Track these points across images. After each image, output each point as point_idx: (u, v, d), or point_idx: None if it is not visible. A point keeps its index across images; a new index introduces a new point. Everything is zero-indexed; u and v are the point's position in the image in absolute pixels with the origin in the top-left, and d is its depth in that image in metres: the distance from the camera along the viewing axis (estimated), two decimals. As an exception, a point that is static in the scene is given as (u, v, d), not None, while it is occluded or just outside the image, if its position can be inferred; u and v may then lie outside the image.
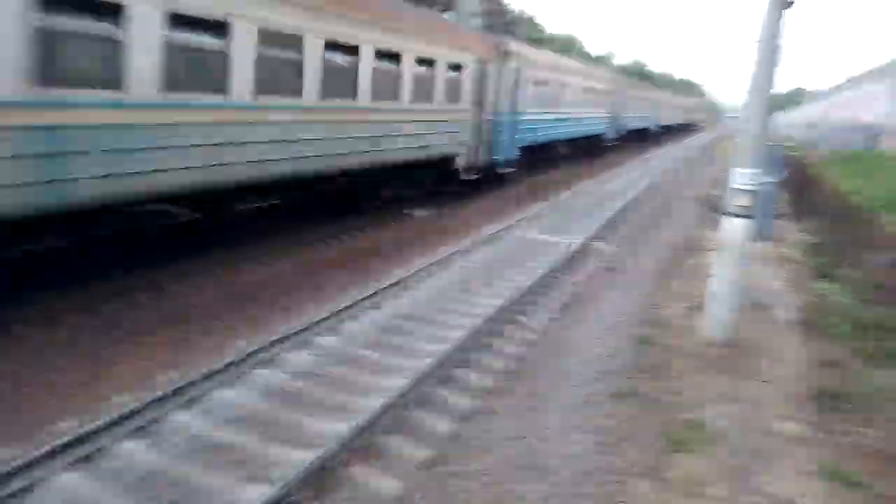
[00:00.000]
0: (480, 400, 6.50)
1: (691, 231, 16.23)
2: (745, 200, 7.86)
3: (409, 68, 13.45)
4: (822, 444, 6.02)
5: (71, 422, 5.33)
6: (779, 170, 10.65)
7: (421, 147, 14.56)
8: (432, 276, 10.24)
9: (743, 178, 7.83)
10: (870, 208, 13.66)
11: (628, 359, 7.94)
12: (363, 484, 4.98)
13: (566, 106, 25.34)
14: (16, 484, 4.46)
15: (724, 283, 7.99)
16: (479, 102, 17.42)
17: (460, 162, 16.84)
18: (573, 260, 12.01)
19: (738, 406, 6.63)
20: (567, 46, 60.69)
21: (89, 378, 6.24)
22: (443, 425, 5.89)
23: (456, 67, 15.91)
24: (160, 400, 5.58)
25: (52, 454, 4.72)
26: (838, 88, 57.89)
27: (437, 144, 15.45)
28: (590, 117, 29.40)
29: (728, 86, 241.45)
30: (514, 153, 19.98)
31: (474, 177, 17.78)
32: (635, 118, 40.01)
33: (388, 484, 4.97)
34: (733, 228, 7.96)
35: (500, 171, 19.23)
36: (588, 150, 30.99)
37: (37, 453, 4.66)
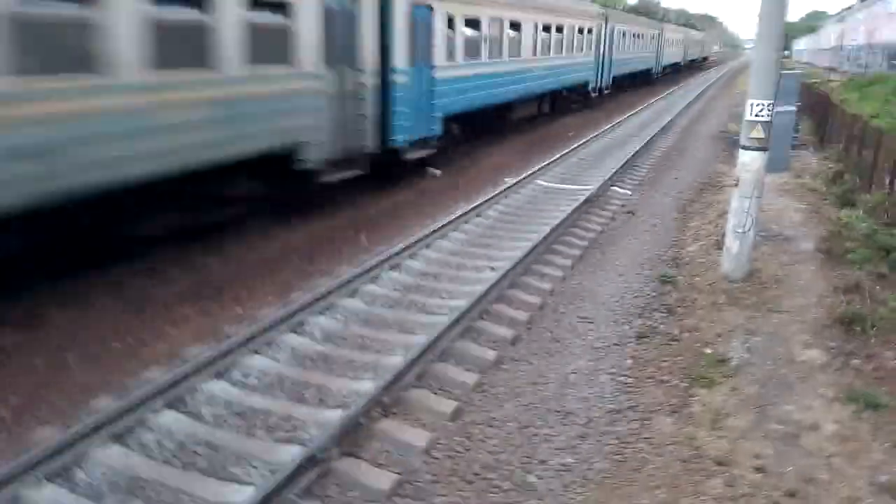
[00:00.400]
0: (505, 347, 6.62)
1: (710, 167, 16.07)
2: (759, 132, 7.75)
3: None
4: (844, 369, 6.05)
5: (108, 399, 5.53)
6: (794, 98, 10.41)
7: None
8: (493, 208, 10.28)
9: (756, 109, 7.71)
10: (892, 130, 13.35)
11: (650, 299, 8.00)
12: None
13: (521, 53, 19.03)
14: (63, 460, 4.66)
15: (742, 217, 7.94)
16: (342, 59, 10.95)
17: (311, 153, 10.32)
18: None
19: (760, 338, 6.66)
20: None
21: (126, 355, 6.44)
22: (469, 376, 6.03)
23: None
24: (192, 372, 5.74)
25: (95, 429, 4.92)
26: (850, 10, 55.85)
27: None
28: (562, 66, 22.99)
29: (748, 18, 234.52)
30: (430, 128, 13.91)
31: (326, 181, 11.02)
32: (631, 59, 34.18)
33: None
34: (749, 161, 7.87)
35: (406, 156, 13.15)
36: (565, 106, 25.78)
37: (78, 429, 4.85)
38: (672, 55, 50.07)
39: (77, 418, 5.21)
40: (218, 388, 5.73)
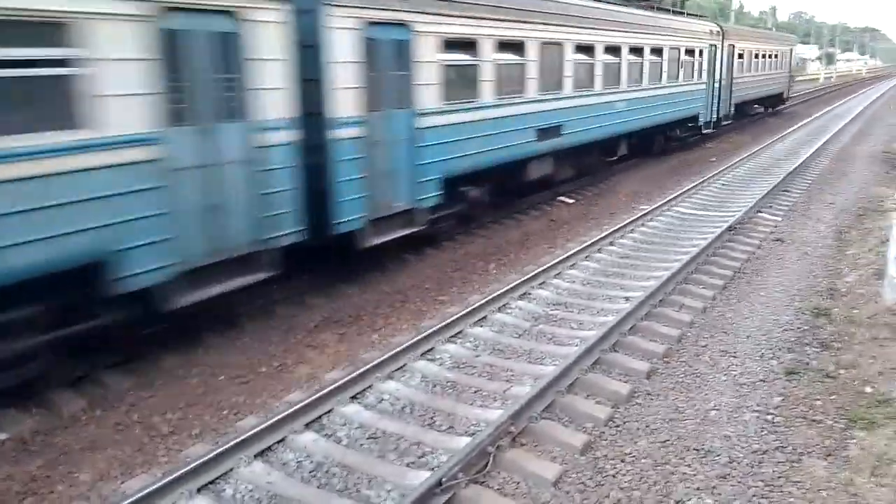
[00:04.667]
0: (640, 380, 6.39)
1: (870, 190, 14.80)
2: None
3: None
4: None
5: (253, 419, 5.87)
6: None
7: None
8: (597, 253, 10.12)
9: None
10: None
11: (801, 332, 7.43)
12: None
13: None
14: (212, 474, 5.00)
15: (907, 243, 7.21)
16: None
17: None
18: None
19: (931, 377, 6.00)
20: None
21: (269, 378, 6.84)
22: (622, 387, 5.87)
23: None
24: (329, 395, 5.99)
25: (240, 446, 5.24)
26: None
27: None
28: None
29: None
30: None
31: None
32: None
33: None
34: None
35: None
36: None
37: (222, 449, 5.19)
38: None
39: (226, 435, 5.58)
40: (353, 411, 5.93)
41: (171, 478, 4.75)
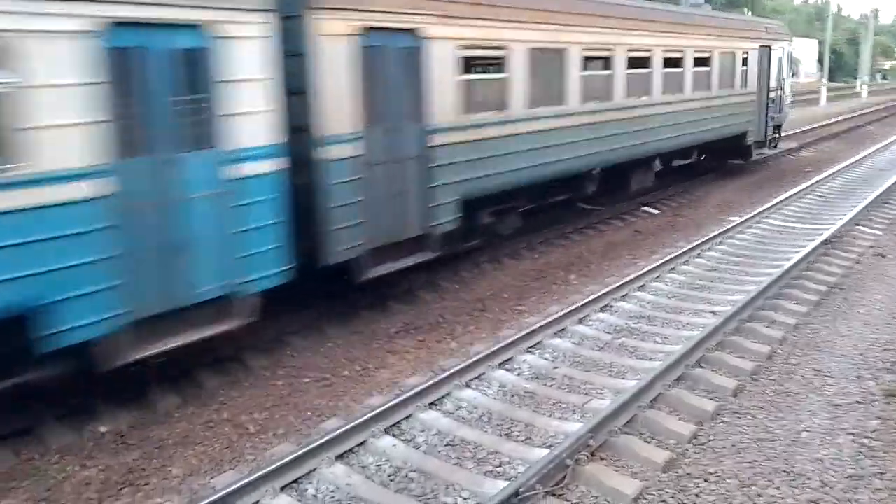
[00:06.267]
0: (726, 397, 6.18)
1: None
2: None
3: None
4: None
5: (335, 421, 6.02)
6: None
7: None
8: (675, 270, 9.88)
9: None
10: None
11: (902, 354, 7.02)
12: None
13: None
14: (294, 474, 5.16)
15: None
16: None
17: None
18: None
19: None
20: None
21: (351, 382, 7.00)
22: (707, 404, 5.71)
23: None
24: (408, 401, 6.09)
25: (323, 448, 5.39)
26: None
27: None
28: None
29: None
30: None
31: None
32: None
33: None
34: None
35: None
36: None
37: (305, 449, 5.34)
38: None
39: (309, 436, 5.74)
40: (432, 417, 6.00)
41: (256, 475, 4.93)
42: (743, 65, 16.93)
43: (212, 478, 5.35)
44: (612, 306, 8.56)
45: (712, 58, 15.49)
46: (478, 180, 9.39)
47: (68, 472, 5.52)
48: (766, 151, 19.36)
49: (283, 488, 4.99)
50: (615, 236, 12.66)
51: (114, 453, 5.77)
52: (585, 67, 11.38)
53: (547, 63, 10.53)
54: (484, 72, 9.76)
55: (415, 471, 5.25)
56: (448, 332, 8.18)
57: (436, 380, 6.39)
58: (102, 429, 6.10)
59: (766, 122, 18.61)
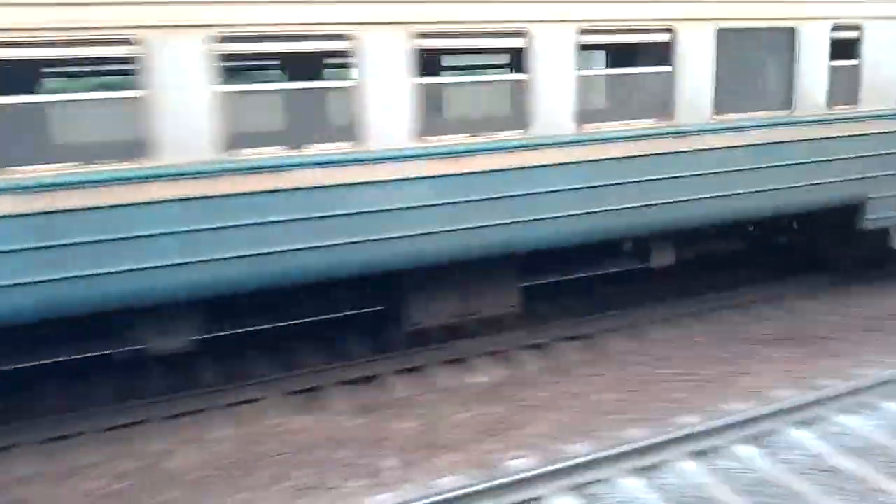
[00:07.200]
0: None
1: None
2: None
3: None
4: None
5: (692, 418, 5.90)
6: None
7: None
8: None
9: None
10: None
11: None
12: None
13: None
14: (647, 460, 5.23)
15: None
16: None
17: None
18: None
19: None
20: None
21: (711, 382, 6.78)
22: None
23: None
24: (777, 413, 5.69)
25: (676, 442, 5.35)
26: None
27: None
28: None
29: None
30: None
31: None
32: None
33: None
34: None
35: None
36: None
37: (661, 439, 5.35)
38: None
39: (664, 428, 5.71)
40: (801, 436, 5.54)
41: (611, 452, 5.12)
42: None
43: (563, 445, 5.63)
44: None
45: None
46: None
47: (448, 412, 6.36)
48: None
49: (633, 471, 5.10)
50: None
51: (487, 402, 6.47)
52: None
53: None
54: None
55: (776, 486, 4.92)
56: (827, 349, 7.39)
57: (811, 398, 5.87)
58: (484, 378, 6.93)
59: None
